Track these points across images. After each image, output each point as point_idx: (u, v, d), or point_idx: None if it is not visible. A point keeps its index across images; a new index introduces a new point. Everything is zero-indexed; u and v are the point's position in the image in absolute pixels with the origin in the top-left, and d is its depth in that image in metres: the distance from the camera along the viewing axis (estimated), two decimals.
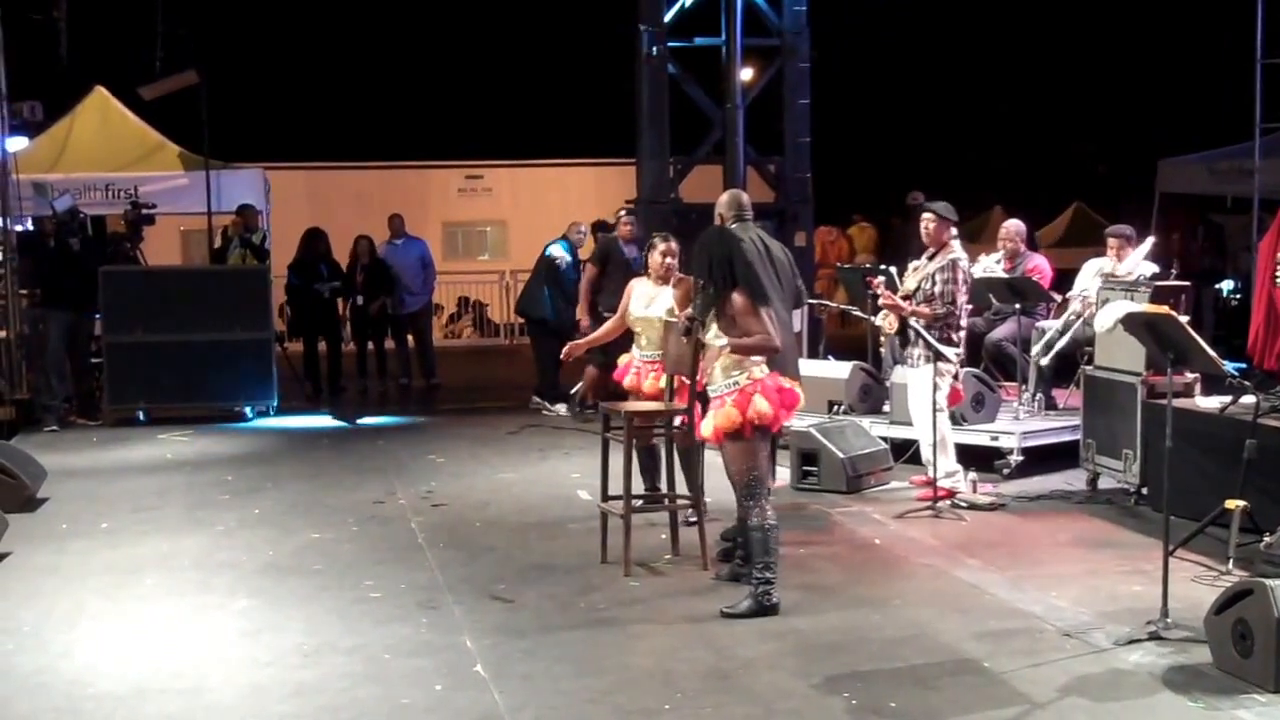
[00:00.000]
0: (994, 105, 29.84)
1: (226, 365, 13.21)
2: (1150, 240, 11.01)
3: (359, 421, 13.46)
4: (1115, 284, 9.68)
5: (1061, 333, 10.69)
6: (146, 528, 8.83)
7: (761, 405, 6.71)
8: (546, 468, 10.86)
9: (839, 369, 11.37)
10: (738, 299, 6.73)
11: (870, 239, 20.85)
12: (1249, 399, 8.04)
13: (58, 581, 7.52)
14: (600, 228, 14.40)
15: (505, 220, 25.88)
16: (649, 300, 8.51)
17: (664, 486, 8.22)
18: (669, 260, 8.45)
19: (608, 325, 9.00)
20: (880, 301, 9.41)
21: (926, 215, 9.35)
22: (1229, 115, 16.02)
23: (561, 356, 9.13)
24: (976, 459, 9.79)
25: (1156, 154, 18.13)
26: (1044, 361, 10.74)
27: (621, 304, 8.73)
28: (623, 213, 12.18)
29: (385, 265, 15.72)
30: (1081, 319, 10.45)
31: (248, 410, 13.35)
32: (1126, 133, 28.31)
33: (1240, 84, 14.24)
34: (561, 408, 13.52)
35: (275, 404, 13.62)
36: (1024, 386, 10.80)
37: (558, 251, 13.92)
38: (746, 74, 16.00)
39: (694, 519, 7.74)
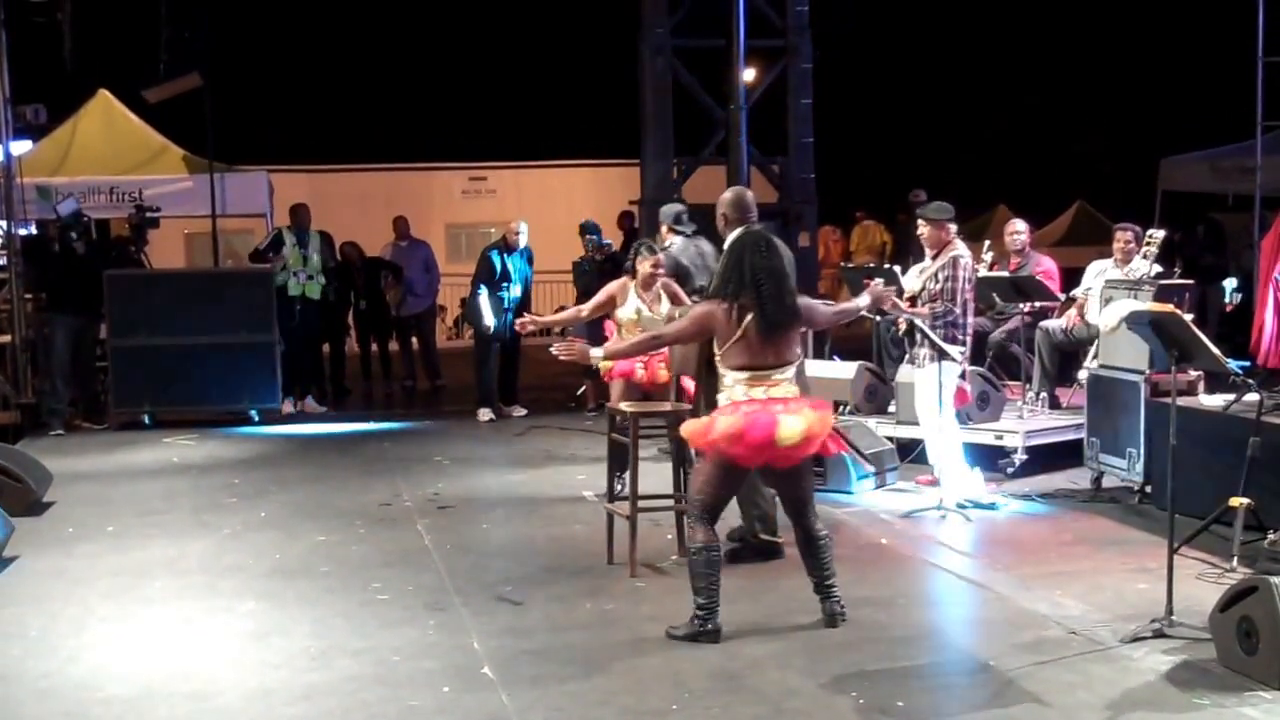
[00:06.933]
0: (997, 104, 29.86)
1: (231, 368, 13.21)
2: None
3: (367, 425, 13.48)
4: (1119, 283, 9.69)
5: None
6: (153, 531, 8.85)
7: (721, 424, 6.20)
8: (552, 469, 10.87)
9: (844, 369, 11.36)
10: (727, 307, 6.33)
11: (877, 239, 20.56)
12: (1253, 397, 8.06)
13: (65, 585, 7.54)
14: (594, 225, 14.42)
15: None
16: (637, 306, 9.18)
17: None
18: (659, 270, 9.24)
19: (575, 313, 9.97)
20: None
21: (919, 222, 9.35)
22: (1231, 113, 16.03)
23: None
24: (981, 458, 9.80)
25: (1158, 152, 18.12)
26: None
27: (601, 299, 9.31)
28: None
29: (382, 260, 15.84)
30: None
31: (253, 414, 13.36)
32: (1128, 131, 28.32)
33: (1242, 82, 14.25)
34: (484, 413, 13.43)
35: (279, 406, 13.63)
36: (1028, 385, 10.81)
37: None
38: (750, 74, 16.00)
39: None
